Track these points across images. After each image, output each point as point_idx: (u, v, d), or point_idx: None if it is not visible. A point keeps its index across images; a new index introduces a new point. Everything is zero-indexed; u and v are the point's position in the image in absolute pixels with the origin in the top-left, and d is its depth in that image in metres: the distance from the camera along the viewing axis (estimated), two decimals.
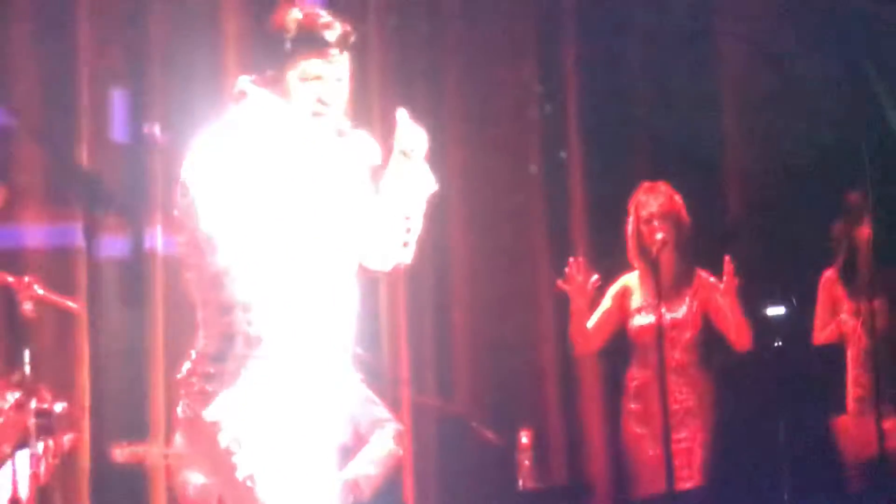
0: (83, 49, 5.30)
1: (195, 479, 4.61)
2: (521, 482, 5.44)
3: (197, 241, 3.06)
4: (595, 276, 5.30)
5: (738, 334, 5.23)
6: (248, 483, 3.03)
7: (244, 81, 3.18)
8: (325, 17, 3.14)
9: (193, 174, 3.05)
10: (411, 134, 3.20)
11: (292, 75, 3.10)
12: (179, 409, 3.13)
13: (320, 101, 3.11)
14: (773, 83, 6.08)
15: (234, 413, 3.04)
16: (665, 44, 6.14)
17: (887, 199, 5.39)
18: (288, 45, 3.09)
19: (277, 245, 3.04)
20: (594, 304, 5.39)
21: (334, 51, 3.11)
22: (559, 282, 5.34)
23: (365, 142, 3.18)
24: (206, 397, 3.06)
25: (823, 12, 5.92)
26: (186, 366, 3.13)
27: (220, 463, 3.07)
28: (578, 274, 5.27)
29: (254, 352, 3.06)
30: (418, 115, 5.94)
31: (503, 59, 6.19)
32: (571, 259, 5.35)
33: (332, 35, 3.10)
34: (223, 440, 3.03)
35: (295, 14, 3.14)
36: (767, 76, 6.11)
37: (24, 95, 5.25)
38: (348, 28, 3.14)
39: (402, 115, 3.21)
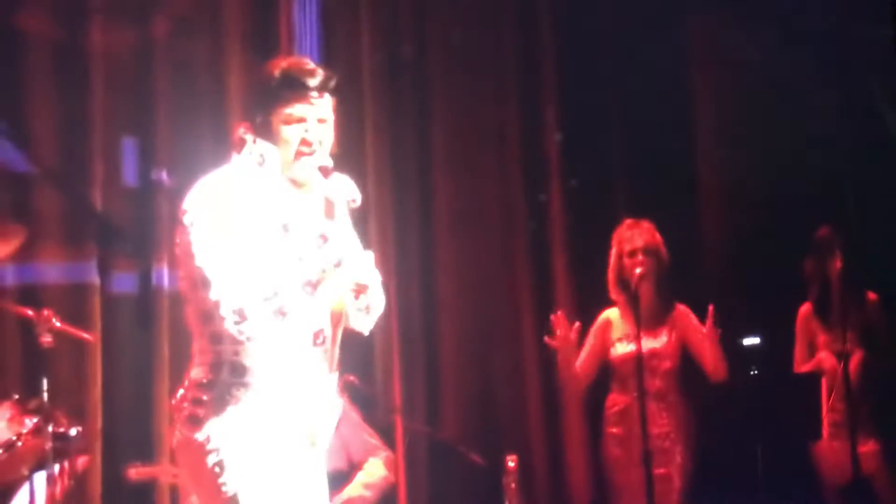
0: (96, 101, 5.44)
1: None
2: None
3: (192, 276, 3.13)
4: (577, 324, 5.38)
5: (715, 368, 5.32)
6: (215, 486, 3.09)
7: (241, 129, 3.28)
8: (308, 63, 3.27)
9: (191, 215, 3.14)
10: (368, 273, 3.23)
11: (277, 119, 3.20)
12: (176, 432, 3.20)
13: (304, 141, 3.21)
14: (750, 120, 6.19)
15: (220, 437, 3.11)
16: (643, 79, 6.25)
17: (859, 232, 5.55)
18: (273, 92, 3.21)
19: (267, 281, 3.09)
20: (579, 346, 5.46)
21: (315, 94, 3.21)
22: (546, 338, 5.42)
23: (346, 184, 3.24)
24: (195, 421, 3.12)
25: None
26: (180, 392, 3.21)
27: (206, 484, 3.12)
28: (560, 328, 5.35)
29: (241, 379, 3.13)
30: (406, 155, 6.19)
31: (488, 101, 6.33)
32: (553, 315, 5.42)
33: (312, 80, 3.21)
34: (209, 462, 3.10)
35: (280, 63, 3.26)
36: (742, 112, 6.22)
37: (42, 144, 5.39)
38: (329, 73, 3.25)
39: (367, 255, 3.25)
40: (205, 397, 3.14)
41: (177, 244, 3.20)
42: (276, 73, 3.23)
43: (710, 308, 5.23)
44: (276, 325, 3.09)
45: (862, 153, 5.95)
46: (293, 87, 3.21)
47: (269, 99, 3.22)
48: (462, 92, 6.30)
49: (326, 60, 5.73)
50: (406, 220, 6.14)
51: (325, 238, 3.15)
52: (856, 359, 5.34)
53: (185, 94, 5.59)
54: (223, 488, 3.10)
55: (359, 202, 3.21)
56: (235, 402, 3.13)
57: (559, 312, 5.43)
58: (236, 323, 3.06)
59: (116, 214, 5.46)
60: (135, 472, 5.00)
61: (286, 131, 3.21)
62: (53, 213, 5.37)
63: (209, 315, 3.12)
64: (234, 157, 3.25)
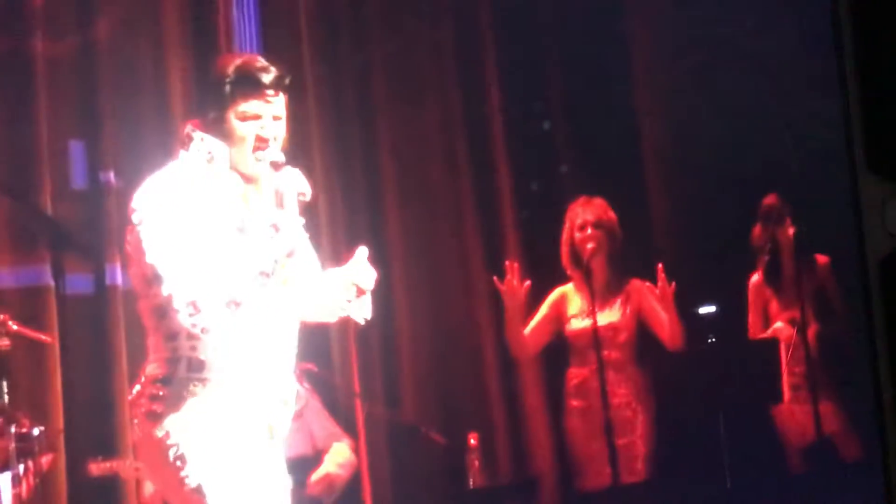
0: (41, 105, 5.45)
1: (149, 487, 4.80)
2: (471, 482, 5.55)
3: (144, 273, 3.13)
4: (527, 282, 5.38)
5: (672, 336, 5.34)
6: (196, 496, 3.10)
7: (188, 126, 3.28)
8: (261, 61, 3.26)
9: (140, 213, 3.14)
10: (366, 273, 3.32)
11: (232, 116, 3.20)
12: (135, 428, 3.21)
13: (259, 138, 3.21)
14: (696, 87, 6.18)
15: (180, 431, 3.12)
16: (590, 48, 6.25)
17: (804, 198, 5.51)
18: (228, 88, 3.20)
19: (219, 273, 3.09)
20: (528, 310, 5.47)
21: (270, 91, 3.21)
22: (495, 279, 5.41)
23: (297, 177, 3.22)
24: (154, 417, 3.14)
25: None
26: (137, 388, 3.22)
27: (168, 477, 3.15)
28: (513, 277, 5.36)
29: (198, 374, 3.15)
30: (352, 146, 6.20)
31: (431, 86, 6.35)
32: (507, 262, 5.45)
33: (267, 77, 3.21)
34: (170, 456, 3.12)
35: (234, 60, 3.28)
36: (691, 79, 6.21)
37: None
38: (283, 71, 3.25)
39: (361, 252, 3.33)
40: (161, 392, 3.15)
41: (127, 242, 3.20)
42: (230, 69, 3.23)
43: (659, 267, 5.25)
44: (230, 317, 3.10)
45: (806, 118, 5.95)
46: (248, 83, 3.21)
47: (223, 95, 3.21)
48: (404, 83, 6.31)
49: (265, 57, 5.77)
50: (355, 207, 6.19)
51: (276, 228, 3.13)
52: (811, 331, 5.36)
53: (128, 95, 5.61)
54: (185, 481, 3.11)
55: (308, 196, 3.22)
56: (193, 397, 3.14)
57: (514, 264, 5.43)
58: (190, 315, 3.07)
59: (67, 217, 5.47)
60: (96, 468, 5.03)
61: (241, 127, 3.22)
62: (4, 219, 5.38)
63: (163, 311, 3.13)
64: (182, 153, 3.26)
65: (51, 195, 5.44)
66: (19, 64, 5.46)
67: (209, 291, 3.09)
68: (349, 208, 6.20)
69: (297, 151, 3.38)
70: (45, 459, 4.88)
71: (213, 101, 3.24)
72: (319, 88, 6.10)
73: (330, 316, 3.44)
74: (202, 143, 3.23)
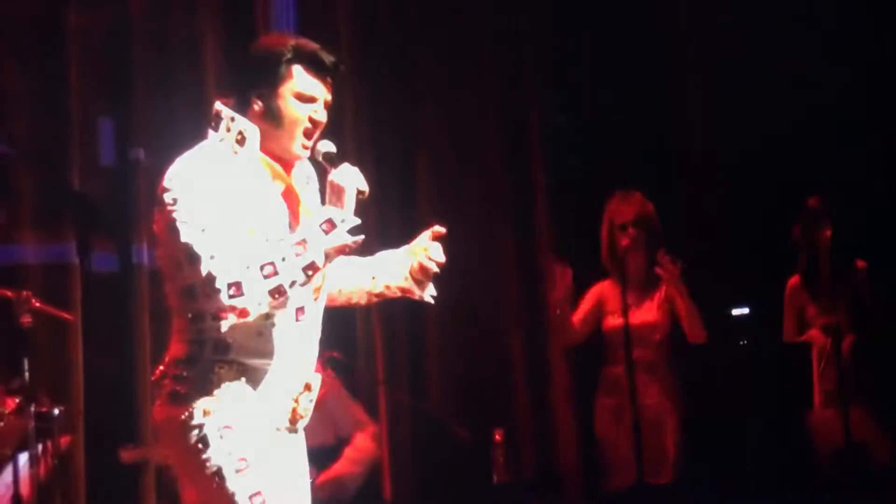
0: (73, 80, 5.43)
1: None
2: (495, 477, 5.55)
3: (175, 254, 3.05)
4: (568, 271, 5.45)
5: (691, 325, 5.34)
6: (216, 479, 3.05)
7: (220, 105, 3.17)
8: (316, 43, 3.16)
9: (174, 192, 3.06)
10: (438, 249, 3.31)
11: (289, 94, 3.11)
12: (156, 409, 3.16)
13: (312, 120, 3.13)
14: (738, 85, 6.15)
15: (202, 413, 3.07)
16: (625, 45, 6.22)
17: (846, 201, 5.53)
18: (285, 66, 3.10)
19: (250, 257, 3.02)
20: (573, 301, 5.52)
21: (328, 76, 3.14)
22: (549, 290, 5.54)
23: (356, 174, 3.15)
24: (176, 398, 3.10)
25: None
26: (160, 369, 3.17)
27: (188, 460, 3.10)
28: (558, 277, 5.46)
29: (223, 357, 3.10)
30: (388, 135, 6.16)
31: (470, 73, 6.31)
32: (550, 265, 5.55)
33: (329, 60, 3.13)
34: (192, 438, 3.07)
35: (288, 38, 3.15)
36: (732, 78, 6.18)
37: (19, 126, 5.40)
38: (339, 57, 3.18)
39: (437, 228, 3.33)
40: (185, 374, 3.11)
41: (156, 222, 3.12)
42: (288, 47, 3.12)
43: (660, 252, 5.28)
44: (271, 301, 3.05)
45: (850, 122, 5.96)
46: (311, 63, 3.12)
47: (279, 72, 3.10)
48: (445, 72, 6.29)
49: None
50: (387, 196, 6.14)
51: (331, 224, 3.05)
52: (846, 336, 5.35)
53: (161, 72, 5.59)
54: (206, 464, 3.07)
55: (367, 194, 3.13)
56: (217, 379, 3.10)
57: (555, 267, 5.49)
58: (231, 297, 2.99)
59: (94, 194, 5.45)
60: (126, 454, 5.03)
61: (297, 108, 3.13)
62: (31, 194, 5.37)
63: (193, 292, 3.06)
64: (211, 133, 3.19)
65: (79, 171, 5.42)
66: (53, 36, 5.45)
67: (255, 275, 3.01)
68: (381, 200, 6.14)
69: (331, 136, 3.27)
70: (65, 440, 4.89)
71: (264, 78, 3.12)
72: (355, 66, 6.04)
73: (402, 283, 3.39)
74: (234, 122, 3.14)
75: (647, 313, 5.43)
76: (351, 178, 3.10)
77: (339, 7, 6.07)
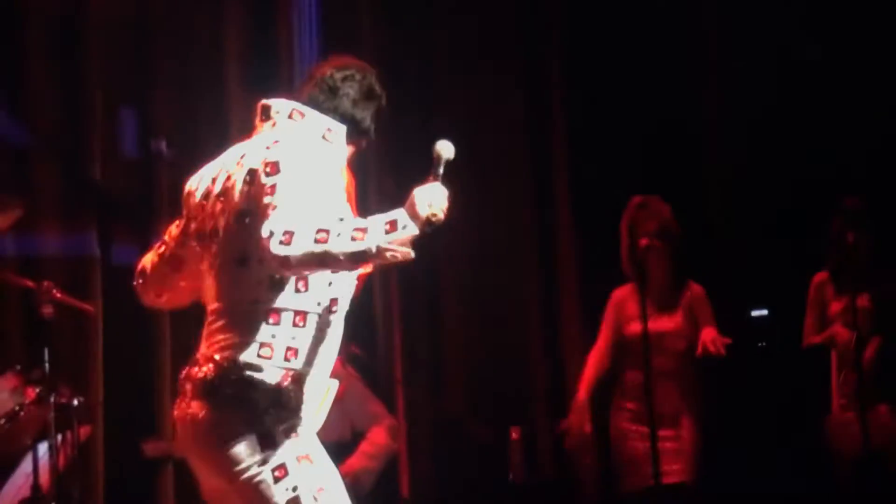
0: (95, 72, 5.45)
1: None
2: (511, 475, 5.57)
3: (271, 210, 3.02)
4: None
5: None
6: (257, 482, 3.03)
7: (295, 103, 3.27)
8: None
9: (281, 171, 3.07)
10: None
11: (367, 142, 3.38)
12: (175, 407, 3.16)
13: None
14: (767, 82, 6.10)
15: (249, 416, 3.04)
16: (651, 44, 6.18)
17: (882, 202, 5.45)
18: (373, 123, 3.36)
19: (315, 219, 3.02)
20: (588, 314, 5.53)
21: None
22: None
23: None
24: (242, 405, 3.05)
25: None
26: (211, 367, 3.11)
27: (224, 461, 3.07)
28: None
29: (291, 366, 3.08)
30: (409, 138, 6.17)
31: (493, 88, 6.29)
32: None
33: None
34: (234, 438, 3.04)
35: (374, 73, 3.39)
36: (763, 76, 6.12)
37: (41, 117, 5.41)
38: None
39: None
40: (253, 378, 3.07)
41: (247, 200, 3.10)
42: (383, 98, 3.38)
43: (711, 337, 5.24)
44: (308, 266, 3.04)
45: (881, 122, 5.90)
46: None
47: (376, 123, 3.36)
48: (467, 78, 6.28)
49: (324, 30, 5.75)
50: (407, 189, 6.09)
51: (393, 226, 3.06)
52: (870, 344, 5.28)
53: (184, 63, 5.60)
54: (228, 470, 3.06)
55: (439, 217, 3.16)
56: (287, 394, 3.09)
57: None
58: (281, 243, 2.96)
59: (116, 186, 5.46)
60: (150, 448, 5.06)
61: (371, 130, 3.36)
62: (53, 185, 5.38)
63: (281, 283, 3.09)
64: (290, 124, 3.24)
65: (101, 163, 5.44)
66: (76, 28, 5.46)
67: (307, 231, 2.99)
68: (401, 197, 6.11)
69: None
70: (84, 431, 4.86)
71: (371, 104, 3.36)
72: (378, 56, 5.93)
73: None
74: (320, 119, 3.27)
75: (669, 322, 5.38)
76: (429, 200, 3.13)
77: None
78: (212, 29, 5.69)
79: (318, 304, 3.13)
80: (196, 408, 3.11)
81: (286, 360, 3.10)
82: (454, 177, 6.33)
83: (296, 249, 2.97)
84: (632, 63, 6.17)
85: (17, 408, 4.64)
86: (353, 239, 3.00)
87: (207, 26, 5.69)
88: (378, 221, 3.05)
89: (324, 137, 3.26)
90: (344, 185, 3.25)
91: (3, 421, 4.60)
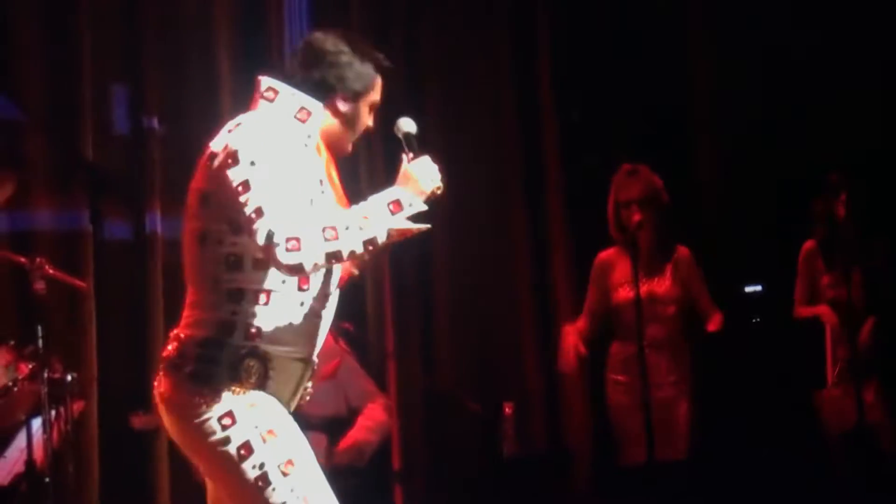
0: (86, 48, 5.42)
1: None
2: (504, 450, 5.56)
3: (226, 217, 3.01)
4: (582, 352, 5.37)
5: (713, 323, 5.32)
6: (241, 453, 2.99)
7: (273, 80, 3.18)
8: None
9: (241, 152, 3.01)
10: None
11: (365, 104, 3.22)
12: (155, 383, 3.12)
13: (368, 127, 3.27)
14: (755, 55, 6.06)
15: (210, 393, 3.02)
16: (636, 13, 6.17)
17: (863, 173, 5.41)
18: (372, 77, 3.20)
19: (313, 219, 2.99)
20: (577, 281, 5.50)
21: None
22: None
23: None
24: (200, 380, 3.02)
25: None
26: (175, 345, 3.09)
27: (194, 437, 3.05)
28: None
29: (253, 344, 3.04)
30: (397, 107, 6.15)
31: (479, 56, 6.27)
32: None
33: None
34: (209, 419, 3.01)
35: (375, 50, 3.25)
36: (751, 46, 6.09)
37: (33, 93, 5.39)
38: None
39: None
40: (212, 355, 3.04)
41: (206, 182, 3.05)
42: (380, 59, 3.24)
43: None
44: (327, 266, 3.02)
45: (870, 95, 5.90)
46: (384, 78, 3.25)
47: (370, 82, 3.21)
48: (455, 50, 6.25)
49: (315, 7, 5.74)
50: (397, 171, 6.09)
51: (398, 205, 3.07)
52: (859, 313, 5.29)
53: (175, 40, 5.59)
54: (231, 439, 3.01)
55: (442, 189, 3.15)
56: (246, 371, 3.04)
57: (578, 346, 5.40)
58: (289, 251, 2.93)
59: (108, 162, 5.43)
60: (137, 421, 5.01)
61: (365, 116, 3.24)
62: (44, 161, 5.36)
63: (238, 263, 3.04)
64: (265, 104, 3.16)
65: (92, 139, 5.41)
66: (66, 3, 5.44)
67: (315, 234, 2.97)
68: (390, 170, 6.10)
69: None
70: (77, 406, 4.87)
71: (359, 84, 3.21)
72: (366, 26, 5.98)
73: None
74: (294, 97, 3.17)
75: (657, 285, 5.37)
76: (430, 175, 3.13)
77: None
78: (201, 3, 5.66)
79: (283, 282, 3.06)
80: (163, 385, 3.09)
81: (247, 338, 3.05)
82: (445, 152, 6.35)
83: (308, 255, 2.95)
84: (623, 41, 6.17)
85: (10, 383, 4.64)
86: (362, 228, 3.00)
87: (198, 2, 5.66)
88: (380, 205, 3.04)
89: (296, 117, 3.16)
90: (322, 164, 3.19)
91: None
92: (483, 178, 6.23)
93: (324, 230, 2.96)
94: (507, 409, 5.56)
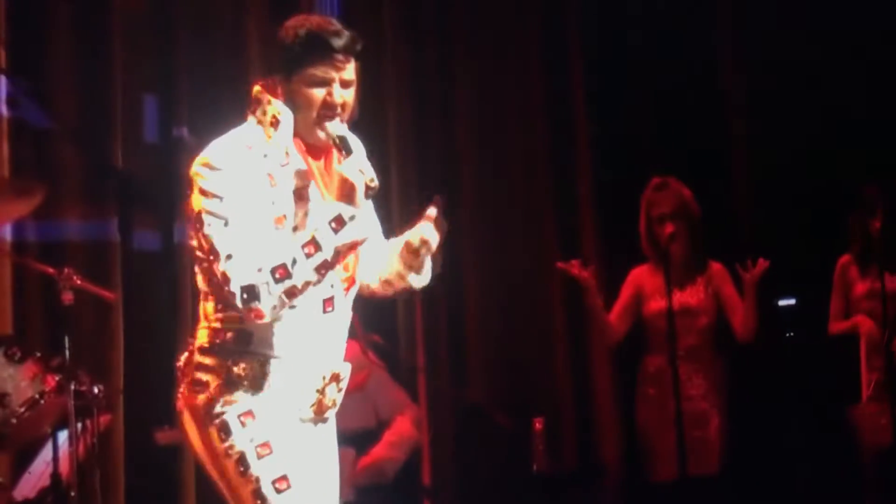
0: (117, 57, 5.43)
1: None
2: (535, 466, 5.54)
3: (201, 242, 3.05)
4: (591, 266, 5.38)
5: (745, 325, 5.30)
6: (239, 468, 3.04)
7: (256, 88, 3.17)
8: (334, 24, 3.15)
9: (203, 180, 3.04)
10: (431, 232, 3.23)
11: (301, 81, 3.10)
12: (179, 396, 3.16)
13: (325, 103, 3.11)
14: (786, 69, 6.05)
15: (223, 403, 3.06)
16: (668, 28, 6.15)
17: None
18: (297, 51, 3.09)
19: (280, 257, 3.00)
20: (605, 290, 5.46)
21: (340, 57, 3.10)
22: (561, 265, 5.43)
23: (366, 165, 3.15)
24: (198, 387, 3.09)
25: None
26: (184, 355, 3.17)
27: (209, 447, 3.09)
28: (572, 268, 5.35)
29: (244, 348, 3.08)
30: (429, 113, 6.19)
31: (512, 59, 6.27)
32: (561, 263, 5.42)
33: (338, 42, 3.10)
34: (212, 427, 3.07)
35: (306, 21, 3.15)
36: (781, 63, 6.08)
37: (63, 100, 5.39)
38: (356, 36, 3.14)
39: (431, 211, 3.25)
40: (208, 362, 3.10)
41: (188, 204, 3.12)
42: (301, 31, 3.12)
43: (761, 261, 5.20)
44: (288, 304, 3.04)
45: None
46: (317, 48, 3.10)
47: (293, 59, 3.11)
48: (486, 49, 6.24)
49: (347, 14, 5.73)
50: (429, 181, 6.11)
51: (339, 223, 3.03)
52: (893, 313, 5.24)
53: (205, 49, 5.58)
54: (229, 451, 3.07)
55: (377, 186, 3.12)
56: (238, 373, 3.08)
57: (571, 261, 5.41)
58: (245, 301, 2.98)
59: (137, 171, 5.43)
60: (162, 437, 5.01)
61: (309, 93, 3.12)
62: (74, 170, 5.36)
63: (218, 281, 3.04)
64: (249, 117, 3.17)
65: (122, 149, 5.41)
66: (98, 13, 5.44)
67: (268, 278, 3.00)
68: (422, 177, 6.11)
69: (370, 113, 3.24)
70: (104, 419, 4.82)
71: (283, 64, 3.14)
72: (398, 47, 6.04)
73: (399, 280, 3.35)
74: (269, 105, 3.14)
75: (690, 297, 5.37)
76: (359, 172, 3.08)
77: None
78: (234, 15, 5.66)
79: (259, 270, 3.02)
80: (178, 395, 3.17)
81: (236, 344, 3.09)
82: (475, 163, 6.32)
83: (265, 303, 2.99)
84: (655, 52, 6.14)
85: (37, 396, 4.59)
86: (309, 256, 3.00)
87: (230, 12, 5.66)
88: (322, 226, 3.03)
89: (271, 124, 3.13)
90: (303, 168, 3.14)
91: (23, 409, 4.55)
92: (513, 190, 6.22)
93: (273, 271, 2.98)
94: (537, 425, 5.55)
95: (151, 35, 5.58)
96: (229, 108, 5.41)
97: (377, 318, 5.14)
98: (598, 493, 6.01)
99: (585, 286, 5.40)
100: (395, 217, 5.32)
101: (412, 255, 3.26)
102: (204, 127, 5.19)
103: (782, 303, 5.68)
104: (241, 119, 3.19)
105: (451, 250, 6.12)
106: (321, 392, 3.16)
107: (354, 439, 5.32)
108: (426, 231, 3.24)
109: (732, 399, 5.36)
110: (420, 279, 3.33)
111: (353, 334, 3.30)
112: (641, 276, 5.48)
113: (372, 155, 3.26)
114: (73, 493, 4.58)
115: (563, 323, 6.15)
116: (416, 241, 3.24)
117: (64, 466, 4.68)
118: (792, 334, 5.58)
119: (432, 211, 3.24)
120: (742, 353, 5.38)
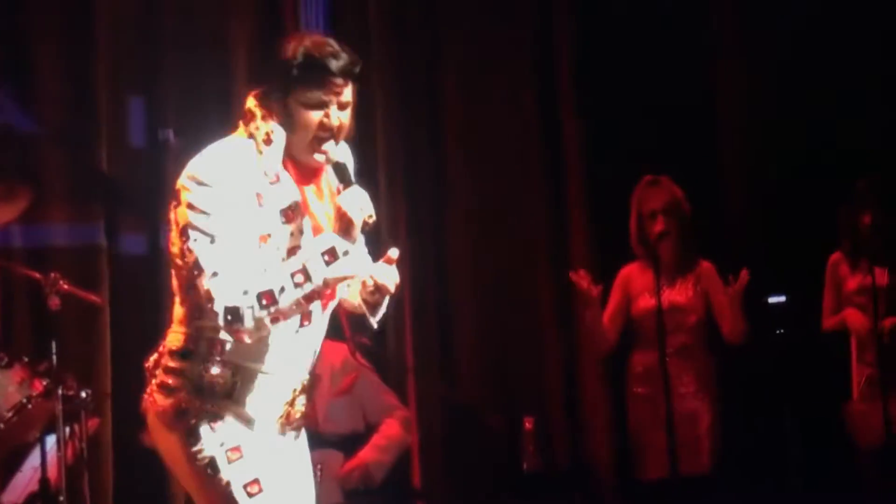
0: (102, 60, 5.42)
1: None
2: (525, 466, 5.52)
3: (183, 251, 3.00)
4: (598, 287, 5.32)
5: (733, 330, 5.28)
6: (208, 471, 3.01)
7: (251, 100, 3.10)
8: (331, 45, 3.06)
9: (190, 192, 2.99)
10: (388, 274, 3.10)
11: (296, 101, 3.03)
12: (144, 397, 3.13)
13: (322, 126, 3.04)
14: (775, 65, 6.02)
15: (193, 408, 3.03)
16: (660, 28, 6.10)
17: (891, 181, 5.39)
18: (294, 73, 3.01)
19: (266, 283, 2.96)
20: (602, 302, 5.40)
21: (339, 80, 3.03)
22: (571, 274, 5.38)
23: (364, 199, 3.05)
24: (166, 390, 3.06)
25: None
26: (153, 357, 3.14)
27: (176, 451, 3.07)
28: (583, 282, 5.30)
29: (217, 357, 3.04)
30: (417, 122, 6.14)
31: (500, 61, 6.22)
32: (573, 274, 5.37)
33: (336, 64, 3.03)
34: (181, 430, 3.04)
35: (302, 41, 3.07)
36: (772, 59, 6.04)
37: (49, 105, 5.39)
38: (354, 58, 3.07)
39: (392, 252, 3.12)
40: (178, 367, 3.07)
41: (172, 211, 3.07)
42: (298, 52, 3.03)
43: (743, 272, 5.18)
44: (269, 329, 3.01)
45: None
46: (315, 70, 3.02)
47: (288, 79, 3.03)
48: (475, 49, 6.21)
49: (333, 22, 5.71)
50: (417, 181, 6.09)
51: (332, 255, 2.97)
52: (885, 323, 5.21)
53: (191, 52, 5.56)
54: (198, 456, 3.04)
55: (374, 218, 3.04)
56: (210, 381, 3.05)
57: (580, 271, 5.37)
58: (228, 322, 2.95)
59: (123, 175, 5.43)
60: (148, 438, 4.95)
61: (304, 115, 3.04)
62: (60, 174, 5.35)
63: (195, 288, 3.00)
64: (241, 127, 3.11)
65: (108, 152, 5.41)
66: (83, 16, 5.43)
67: (252, 302, 2.96)
68: (411, 189, 6.08)
69: (357, 113, 3.16)
70: (92, 423, 4.84)
71: (277, 83, 3.06)
72: (385, 45, 6.02)
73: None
74: (263, 121, 3.06)
75: (679, 294, 5.35)
76: (359, 205, 3.03)
77: None
78: (218, 18, 5.64)
79: (245, 293, 2.98)
80: (144, 397, 3.14)
81: (209, 352, 3.05)
82: (466, 174, 6.24)
83: (248, 324, 2.95)
84: (644, 53, 6.10)
85: (24, 400, 4.60)
86: (298, 286, 2.96)
87: (213, 15, 5.64)
88: (314, 256, 2.98)
89: (263, 141, 3.06)
90: (295, 190, 3.09)
91: (10, 414, 4.57)
92: (502, 190, 6.18)
93: (259, 297, 2.95)
94: (527, 424, 5.54)
95: (136, 38, 5.56)
96: (215, 111, 5.48)
97: (365, 319, 5.12)
98: (589, 492, 5.97)
99: (589, 302, 5.37)
100: (381, 218, 5.29)
101: (369, 295, 3.16)
102: (190, 130, 5.32)
103: (772, 300, 5.63)
104: (229, 125, 3.15)
105: (441, 251, 6.16)
106: (290, 404, 3.15)
107: (343, 443, 5.31)
108: (385, 273, 3.11)
109: (723, 397, 5.35)
110: (374, 320, 3.24)
111: (341, 336, 3.29)
112: (629, 276, 5.46)
113: (358, 156, 3.23)
114: (61, 498, 4.59)
115: (552, 322, 6.12)
116: (370, 283, 3.13)
117: (52, 471, 4.67)
118: (782, 331, 5.53)
119: (394, 252, 3.14)
120: (732, 351, 5.37)
